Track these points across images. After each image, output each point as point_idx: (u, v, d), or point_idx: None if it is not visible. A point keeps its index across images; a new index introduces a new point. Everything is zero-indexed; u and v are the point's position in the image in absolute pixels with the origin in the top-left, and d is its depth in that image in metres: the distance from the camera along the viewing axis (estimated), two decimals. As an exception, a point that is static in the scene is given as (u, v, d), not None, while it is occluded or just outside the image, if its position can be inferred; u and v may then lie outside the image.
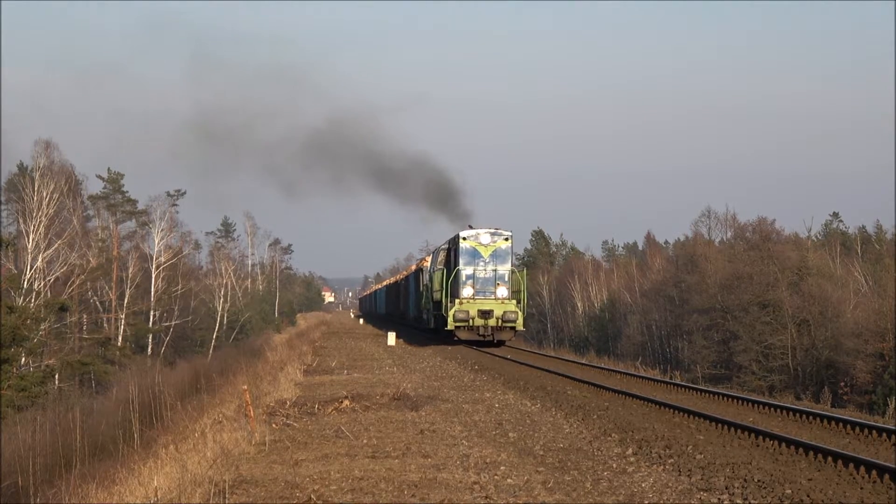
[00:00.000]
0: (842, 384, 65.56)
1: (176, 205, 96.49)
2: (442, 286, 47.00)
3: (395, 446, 16.68)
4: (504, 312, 44.02)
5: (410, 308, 68.82)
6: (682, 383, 30.20)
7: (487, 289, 44.60)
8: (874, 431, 18.18)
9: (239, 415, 21.60)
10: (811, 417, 20.22)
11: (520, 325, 44.68)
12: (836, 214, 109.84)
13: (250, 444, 17.39)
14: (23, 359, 52.92)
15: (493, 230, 45.40)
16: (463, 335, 44.51)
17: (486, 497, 12.86)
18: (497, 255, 44.95)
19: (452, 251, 47.10)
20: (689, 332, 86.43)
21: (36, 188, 64.21)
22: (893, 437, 17.62)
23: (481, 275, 44.69)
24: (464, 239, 45.31)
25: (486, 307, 44.10)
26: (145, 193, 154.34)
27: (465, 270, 44.74)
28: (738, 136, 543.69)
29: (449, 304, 44.79)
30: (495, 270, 44.75)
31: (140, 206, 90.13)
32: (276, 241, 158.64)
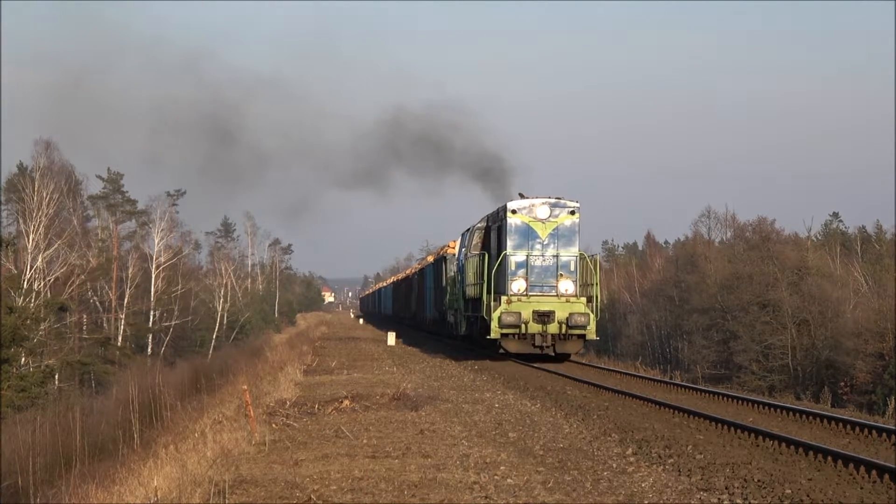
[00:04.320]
0: (842, 384, 65.60)
1: (176, 205, 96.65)
2: (479, 278, 35.59)
3: (394, 446, 16.68)
4: (570, 315, 32.85)
5: (428, 308, 58.01)
6: (682, 383, 30.17)
7: (546, 282, 33.57)
8: (874, 431, 18.17)
9: (239, 415, 21.60)
10: (811, 417, 20.22)
11: (592, 333, 33.34)
12: (835, 214, 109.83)
13: (250, 444, 17.39)
14: (23, 359, 52.95)
15: (553, 200, 34.13)
16: (512, 347, 33.45)
17: (486, 497, 12.86)
18: (559, 235, 33.73)
19: (496, 230, 35.88)
20: (689, 332, 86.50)
21: (36, 188, 64.27)
22: (893, 436, 17.61)
23: (538, 262, 33.57)
24: (513, 212, 33.91)
25: (545, 307, 33.10)
26: (145, 193, 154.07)
27: (516, 256, 33.64)
28: (738, 136, 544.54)
29: (492, 304, 33.52)
30: (557, 256, 33.58)
31: (140, 206, 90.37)
32: (276, 241, 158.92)
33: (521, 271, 33.58)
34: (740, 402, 23.43)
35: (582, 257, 34.26)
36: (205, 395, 32.81)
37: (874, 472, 14.15)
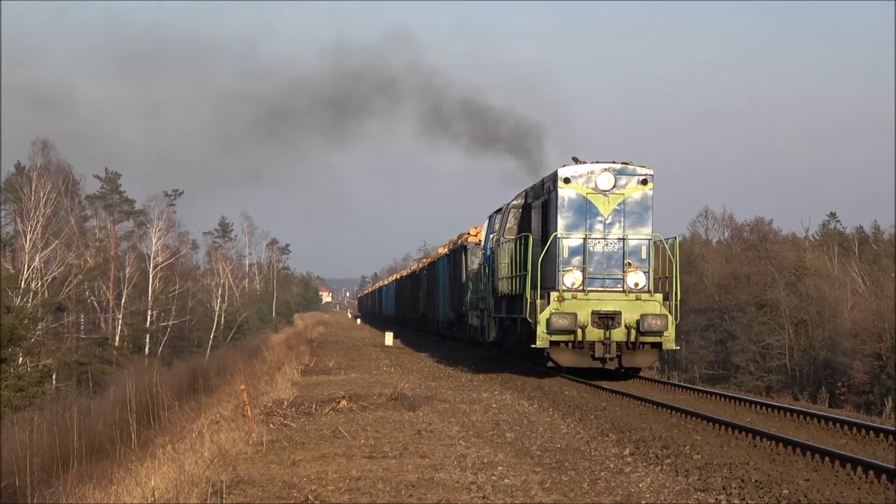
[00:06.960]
0: (839, 384, 65.69)
1: (174, 205, 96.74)
2: (519, 269, 27.96)
3: (392, 446, 16.68)
4: (642, 317, 25.24)
5: (441, 309, 50.32)
6: (680, 383, 30.15)
7: (610, 273, 25.94)
8: (871, 431, 18.18)
9: (236, 415, 21.59)
10: (808, 417, 20.22)
11: (670, 341, 25.84)
12: (833, 214, 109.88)
13: (248, 445, 17.38)
14: (20, 359, 53.02)
15: (618, 166, 26.34)
16: (565, 359, 26.02)
17: (484, 497, 12.86)
18: (627, 212, 26.01)
19: (540, 207, 28.04)
20: (686, 332, 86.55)
21: (33, 188, 64.31)
22: (891, 437, 17.62)
23: (598, 247, 25.93)
24: (565, 181, 26.03)
25: (609, 307, 25.54)
26: (143, 193, 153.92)
27: (569, 239, 25.97)
28: (738, 136, 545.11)
29: (537, 302, 25.73)
30: (623, 239, 25.92)
31: (137, 206, 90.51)
32: (274, 241, 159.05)
33: (577, 259, 25.95)
34: (738, 402, 23.43)
35: (660, 241, 26.55)
36: (202, 396, 32.77)
37: (872, 472, 14.16)
